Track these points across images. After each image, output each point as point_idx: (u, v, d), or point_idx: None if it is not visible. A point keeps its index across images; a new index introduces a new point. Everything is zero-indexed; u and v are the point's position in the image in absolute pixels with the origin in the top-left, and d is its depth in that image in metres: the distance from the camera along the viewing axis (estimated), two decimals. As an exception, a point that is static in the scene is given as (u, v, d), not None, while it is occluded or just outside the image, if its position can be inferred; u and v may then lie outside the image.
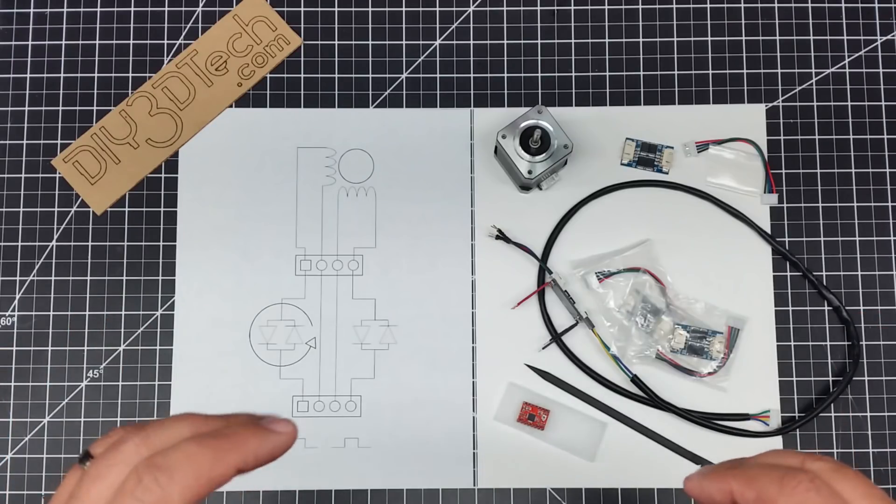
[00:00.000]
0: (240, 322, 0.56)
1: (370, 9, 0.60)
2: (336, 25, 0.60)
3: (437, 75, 0.59)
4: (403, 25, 0.60)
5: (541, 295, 0.56)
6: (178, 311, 0.57)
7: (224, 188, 0.58)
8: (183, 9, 0.60)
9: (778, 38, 0.60)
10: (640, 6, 0.60)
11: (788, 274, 0.57)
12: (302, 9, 0.60)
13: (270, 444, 0.28)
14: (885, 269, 0.57)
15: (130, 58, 0.60)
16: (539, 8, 0.60)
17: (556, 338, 0.56)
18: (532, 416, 0.54)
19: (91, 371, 0.56)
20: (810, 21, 0.60)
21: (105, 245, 0.58)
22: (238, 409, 0.56)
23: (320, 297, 0.57)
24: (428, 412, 0.56)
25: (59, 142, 0.59)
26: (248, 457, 0.27)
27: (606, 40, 0.60)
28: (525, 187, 0.57)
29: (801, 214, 0.58)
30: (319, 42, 0.60)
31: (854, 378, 0.56)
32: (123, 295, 0.57)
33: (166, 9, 0.60)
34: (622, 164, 0.58)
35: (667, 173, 0.58)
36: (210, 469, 0.26)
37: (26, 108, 0.59)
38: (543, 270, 0.56)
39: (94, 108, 0.59)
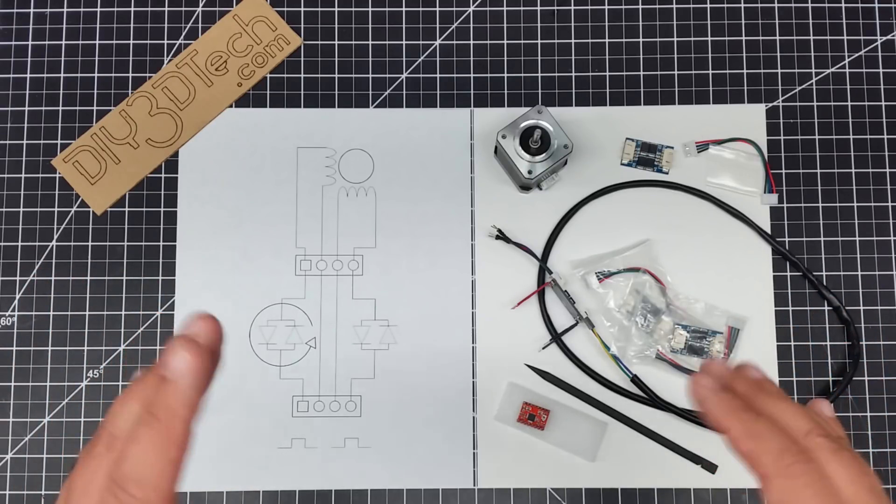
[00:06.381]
0: (240, 322, 0.56)
1: (370, 9, 0.60)
2: (336, 25, 0.60)
3: (437, 75, 0.59)
4: (403, 25, 0.60)
5: (541, 295, 0.56)
6: (178, 311, 0.57)
7: (224, 188, 0.58)
8: (183, 9, 0.60)
9: (778, 38, 0.60)
10: (640, 6, 0.60)
11: (788, 274, 0.57)
12: (302, 9, 0.60)
13: (188, 397, 0.27)
14: (885, 269, 0.57)
15: (130, 58, 0.60)
16: (539, 8, 0.60)
17: (556, 338, 0.56)
18: (532, 416, 0.54)
19: (91, 371, 0.56)
20: (810, 21, 0.60)
21: (105, 245, 0.58)
22: (239, 409, 0.56)
23: (320, 297, 0.57)
24: (428, 412, 0.56)
25: (59, 142, 0.59)
26: (185, 425, 0.27)
27: (606, 40, 0.60)
28: (525, 187, 0.57)
29: (801, 214, 0.58)
30: (319, 42, 0.60)
31: (854, 378, 0.56)
32: (123, 295, 0.57)
33: (166, 9, 0.60)
34: (622, 164, 0.58)
35: (667, 173, 0.58)
36: (165, 458, 0.26)
37: (26, 108, 0.59)
38: (543, 270, 0.56)
39: (94, 108, 0.59)
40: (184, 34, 0.60)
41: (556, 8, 0.60)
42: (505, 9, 0.60)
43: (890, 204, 0.58)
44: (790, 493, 0.28)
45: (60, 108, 0.59)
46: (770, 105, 0.59)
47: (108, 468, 0.26)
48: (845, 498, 0.28)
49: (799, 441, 0.30)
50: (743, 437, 0.30)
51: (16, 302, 0.57)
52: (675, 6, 0.60)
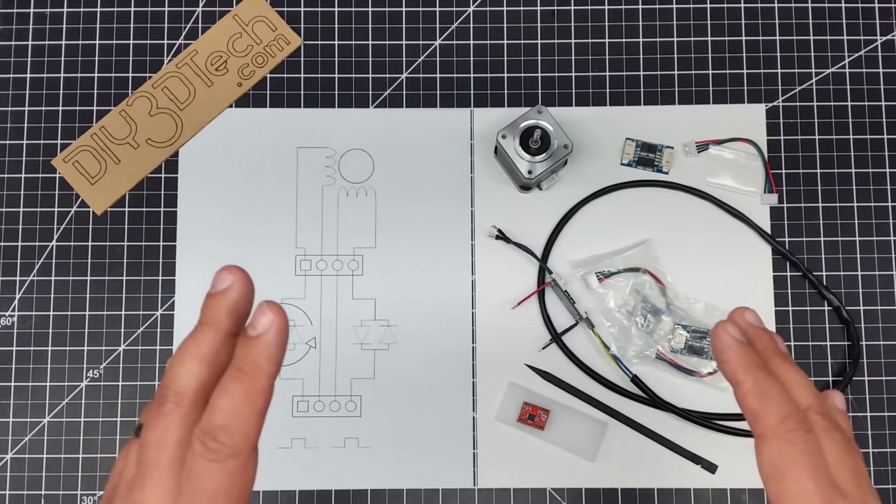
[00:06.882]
0: (240, 322, 0.56)
1: (370, 9, 0.60)
2: (336, 25, 0.60)
3: (437, 75, 0.59)
4: (403, 25, 0.60)
5: (541, 295, 0.56)
6: (178, 311, 0.57)
7: (224, 188, 0.58)
8: (183, 9, 0.60)
9: (778, 38, 0.60)
10: (640, 6, 0.60)
11: (788, 274, 0.57)
12: (302, 9, 0.60)
13: (273, 352, 0.29)
14: (885, 269, 0.57)
15: (130, 58, 0.60)
16: (539, 8, 0.60)
17: (556, 338, 0.56)
18: (532, 416, 0.54)
19: (91, 371, 0.56)
20: (810, 21, 0.60)
21: (105, 245, 0.58)
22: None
23: (320, 297, 0.57)
24: (428, 412, 0.56)
25: (59, 142, 0.59)
26: (270, 379, 0.28)
27: (606, 40, 0.60)
28: (525, 187, 0.57)
29: (801, 214, 0.58)
30: (319, 42, 0.60)
31: (854, 378, 0.56)
32: (123, 295, 0.57)
33: (166, 9, 0.60)
34: (622, 164, 0.58)
35: (667, 173, 0.58)
36: (252, 409, 0.28)
37: (26, 108, 0.59)
38: (543, 270, 0.56)
39: (94, 108, 0.59)
40: (184, 34, 0.60)
41: (556, 8, 0.60)
42: (505, 9, 0.60)
43: (890, 204, 0.58)
44: (785, 457, 0.30)
45: (60, 108, 0.59)
46: (770, 105, 0.59)
47: (181, 422, 0.28)
48: (833, 473, 0.29)
49: (800, 411, 0.31)
50: (753, 394, 0.31)
51: (16, 302, 0.57)
52: (675, 6, 0.60)
